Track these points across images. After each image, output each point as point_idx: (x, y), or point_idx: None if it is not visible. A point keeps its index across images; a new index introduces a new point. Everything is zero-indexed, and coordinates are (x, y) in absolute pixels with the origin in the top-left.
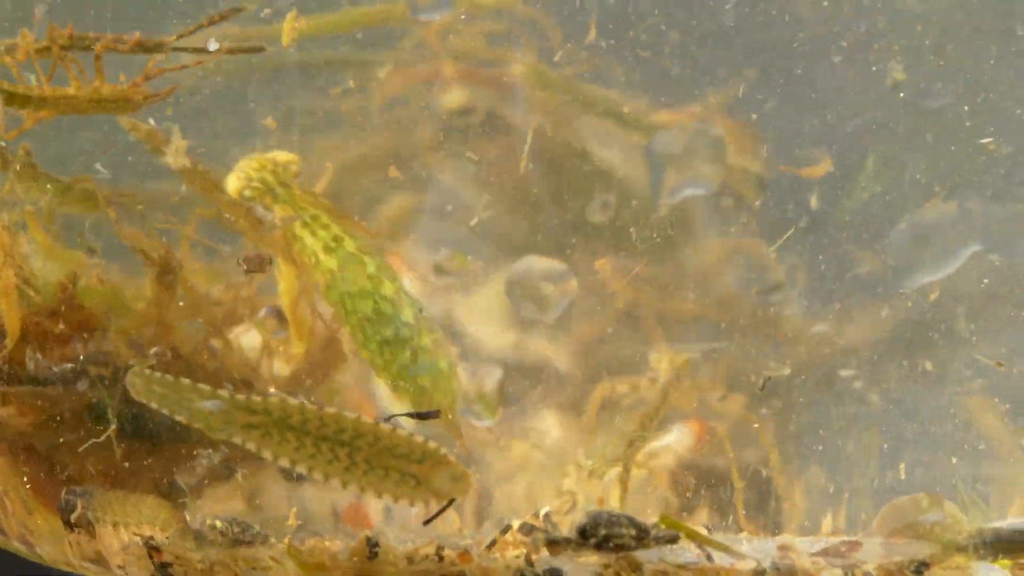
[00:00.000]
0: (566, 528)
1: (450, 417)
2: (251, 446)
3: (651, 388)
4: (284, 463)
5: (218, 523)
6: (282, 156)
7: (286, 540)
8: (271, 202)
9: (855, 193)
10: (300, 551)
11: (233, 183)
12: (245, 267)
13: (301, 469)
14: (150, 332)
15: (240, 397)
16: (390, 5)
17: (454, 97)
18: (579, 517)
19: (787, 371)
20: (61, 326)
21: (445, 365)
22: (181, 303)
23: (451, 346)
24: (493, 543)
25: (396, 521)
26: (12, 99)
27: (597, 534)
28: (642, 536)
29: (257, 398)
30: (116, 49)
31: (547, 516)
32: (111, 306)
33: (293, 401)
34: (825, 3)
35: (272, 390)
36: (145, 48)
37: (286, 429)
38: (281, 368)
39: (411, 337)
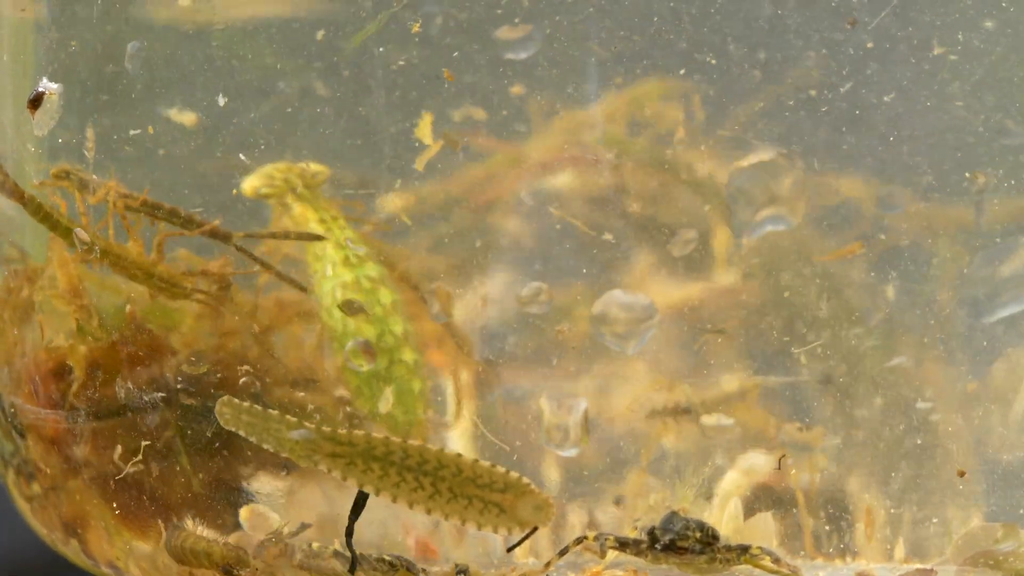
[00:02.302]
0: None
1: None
2: (336, 474)
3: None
4: (369, 491)
5: (386, 556)
6: (313, 165)
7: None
8: (292, 200)
9: None
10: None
11: (252, 182)
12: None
13: (386, 497)
14: (212, 343)
15: (326, 428)
16: None
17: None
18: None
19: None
20: (132, 350)
21: (415, 387)
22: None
23: None
24: (565, 551)
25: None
26: (71, 238)
27: (665, 537)
28: (710, 542)
29: (343, 431)
30: (184, 230)
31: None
32: (174, 323)
33: (378, 435)
34: None
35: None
36: (213, 235)
37: (371, 459)
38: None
39: (394, 349)
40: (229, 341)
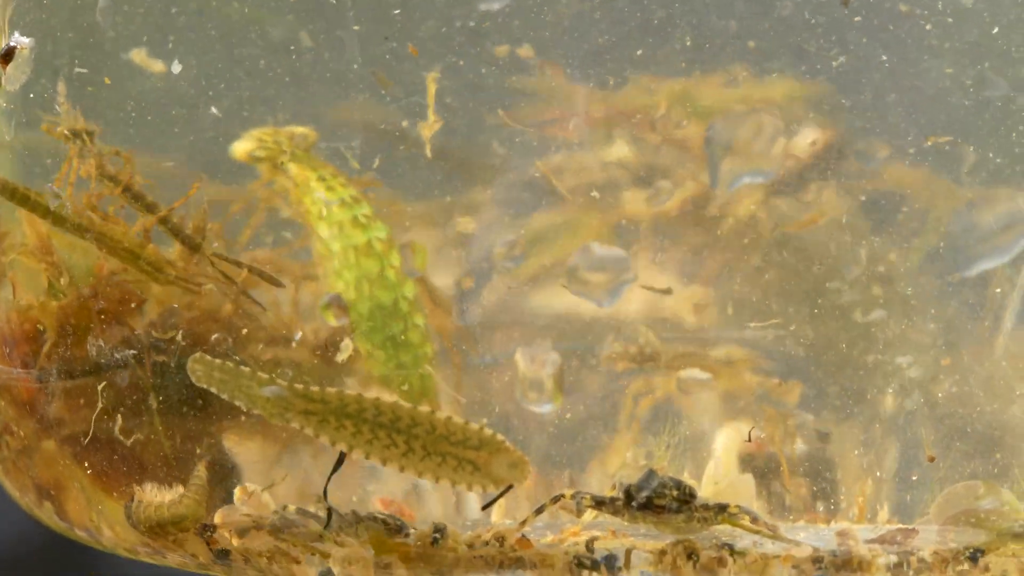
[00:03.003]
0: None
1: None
2: (309, 431)
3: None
4: (342, 448)
5: (377, 514)
6: (298, 128)
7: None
8: (285, 162)
9: None
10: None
11: (243, 145)
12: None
13: (359, 455)
14: (185, 300)
15: (298, 385)
16: None
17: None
18: (630, 477)
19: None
20: (103, 304)
21: (428, 351)
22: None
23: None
24: (541, 510)
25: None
26: (61, 221)
27: (641, 495)
28: (687, 500)
29: (315, 388)
30: (160, 223)
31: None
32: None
33: (350, 392)
34: None
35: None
36: (183, 242)
37: (343, 416)
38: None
39: (407, 314)
40: (203, 300)
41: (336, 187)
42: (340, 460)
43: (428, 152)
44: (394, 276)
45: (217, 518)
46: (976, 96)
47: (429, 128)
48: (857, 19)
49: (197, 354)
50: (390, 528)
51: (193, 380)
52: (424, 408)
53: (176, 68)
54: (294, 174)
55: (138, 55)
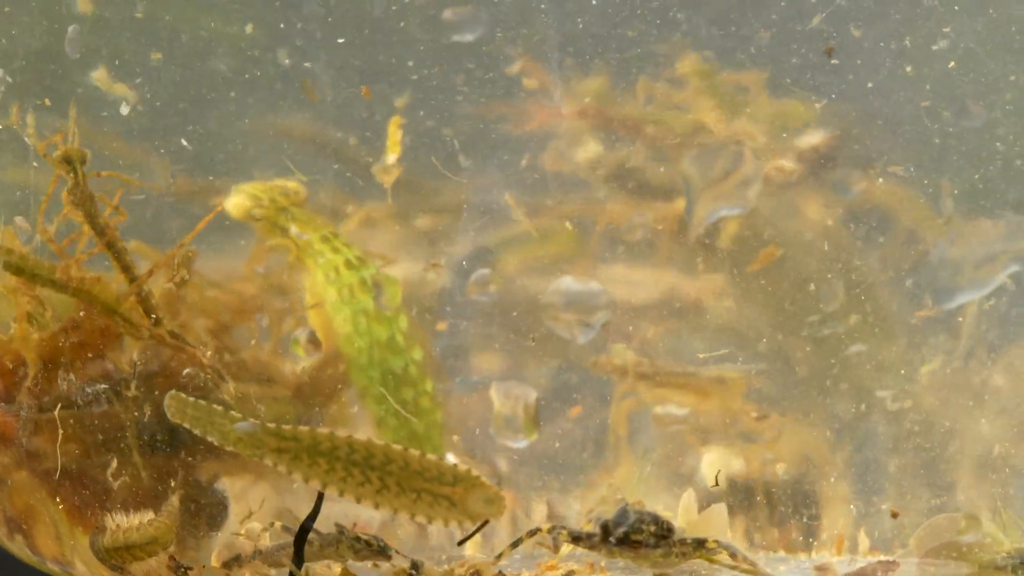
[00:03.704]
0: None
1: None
2: (282, 468)
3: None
4: (316, 485)
5: (362, 535)
6: (290, 184)
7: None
8: (284, 221)
9: None
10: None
11: (239, 202)
12: None
13: (332, 491)
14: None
15: (271, 424)
16: None
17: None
18: (608, 513)
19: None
20: (82, 339)
21: (439, 418)
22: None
23: None
24: (518, 543)
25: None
26: (35, 275)
27: (618, 531)
28: (665, 535)
29: (287, 426)
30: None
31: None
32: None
33: (323, 430)
34: None
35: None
36: (147, 312)
37: (316, 454)
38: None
39: (417, 380)
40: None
41: (340, 247)
42: (319, 502)
43: (389, 199)
44: (403, 341)
45: (215, 560)
46: (953, 126)
47: (388, 174)
48: (835, 62)
49: (172, 391)
50: (373, 550)
51: (168, 416)
52: (397, 445)
53: (124, 109)
54: (295, 234)
55: (101, 78)
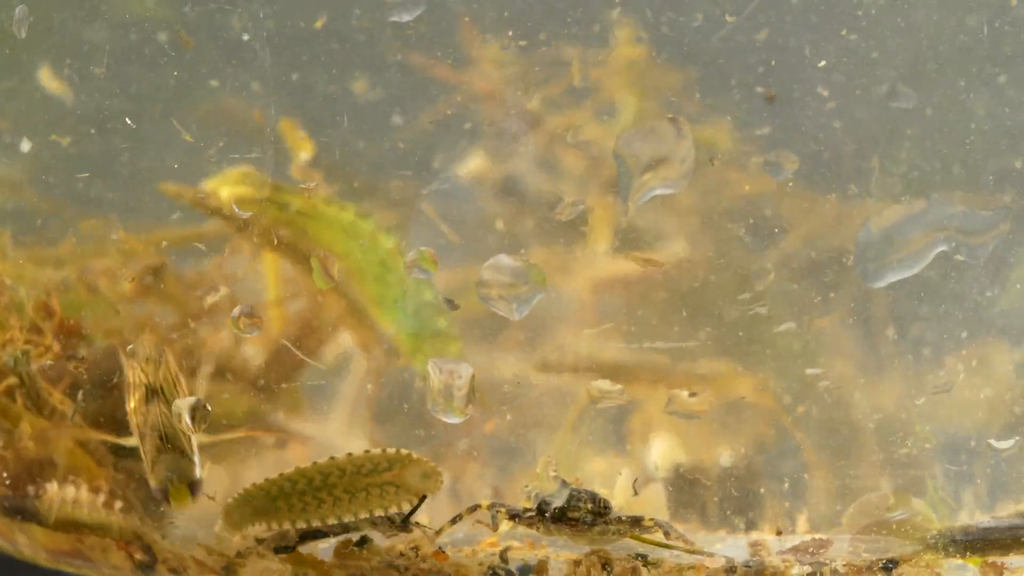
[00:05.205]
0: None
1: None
2: (262, 527)
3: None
4: (286, 527)
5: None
6: (246, 168)
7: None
8: (278, 196)
9: None
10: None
11: (227, 188)
12: None
13: (302, 525)
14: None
15: (230, 500)
16: None
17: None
18: (546, 491)
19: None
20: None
21: (444, 324)
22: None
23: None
24: (457, 519)
25: None
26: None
27: (555, 508)
28: (601, 513)
29: (239, 491)
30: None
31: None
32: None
33: (257, 482)
34: None
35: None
36: (114, 450)
37: (273, 500)
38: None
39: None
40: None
41: (346, 205)
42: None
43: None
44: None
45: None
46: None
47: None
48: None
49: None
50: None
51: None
52: (321, 460)
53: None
54: (299, 204)
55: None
